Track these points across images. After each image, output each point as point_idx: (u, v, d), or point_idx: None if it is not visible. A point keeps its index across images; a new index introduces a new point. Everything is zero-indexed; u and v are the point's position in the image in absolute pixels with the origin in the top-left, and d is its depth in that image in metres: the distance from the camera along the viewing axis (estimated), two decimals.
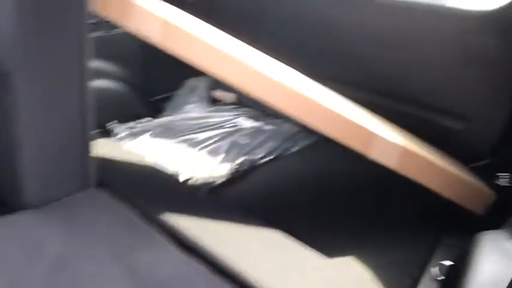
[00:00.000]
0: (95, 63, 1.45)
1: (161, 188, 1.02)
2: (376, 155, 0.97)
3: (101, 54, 1.45)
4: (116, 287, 0.59)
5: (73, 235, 0.70)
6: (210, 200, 1.00)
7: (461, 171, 1.11)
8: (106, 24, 1.45)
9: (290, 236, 0.89)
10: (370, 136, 0.95)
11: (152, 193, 0.99)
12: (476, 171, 1.21)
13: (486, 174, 1.19)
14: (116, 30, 1.48)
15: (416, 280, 0.86)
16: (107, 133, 1.38)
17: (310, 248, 0.86)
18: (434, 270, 0.86)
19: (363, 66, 1.34)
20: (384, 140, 0.96)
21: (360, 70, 1.36)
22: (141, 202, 0.87)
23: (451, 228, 1.06)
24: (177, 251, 0.70)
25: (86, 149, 0.88)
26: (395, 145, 0.97)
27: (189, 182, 1.15)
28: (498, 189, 1.14)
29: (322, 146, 1.44)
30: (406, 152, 0.97)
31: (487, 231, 0.75)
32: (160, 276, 0.63)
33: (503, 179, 1.16)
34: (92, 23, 1.40)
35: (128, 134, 1.38)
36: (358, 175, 1.26)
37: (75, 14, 0.79)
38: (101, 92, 1.46)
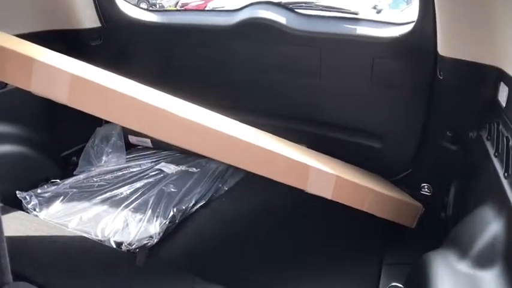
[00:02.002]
0: None
1: (93, 262, 0.90)
2: (312, 188, 0.97)
3: None
4: None
5: None
6: (149, 267, 0.91)
7: (388, 188, 1.15)
8: None
9: None
10: (306, 170, 0.94)
11: (83, 269, 0.87)
12: (400, 184, 1.28)
13: (409, 185, 1.25)
14: (8, 86, 1.32)
15: None
16: (17, 203, 1.22)
17: None
18: None
19: (284, 96, 1.36)
20: (320, 171, 0.96)
21: (280, 100, 1.37)
22: (73, 282, 0.75)
23: (391, 246, 1.09)
24: None
25: None
26: (329, 175, 0.97)
27: (123, 247, 1.04)
28: (423, 199, 1.20)
29: (253, 181, 1.41)
30: (339, 181, 0.98)
31: (433, 252, 0.76)
32: None
33: (424, 190, 1.23)
34: None
35: (40, 201, 1.23)
36: (293, 207, 1.25)
37: None
38: (1, 157, 1.29)
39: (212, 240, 1.14)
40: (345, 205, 1.02)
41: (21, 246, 0.94)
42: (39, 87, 0.85)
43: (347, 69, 1.21)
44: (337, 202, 1.00)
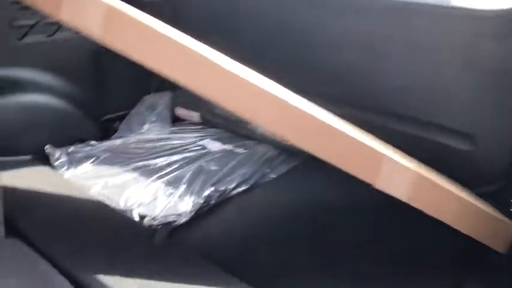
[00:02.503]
0: (31, 74, 1.19)
1: (107, 232, 0.76)
2: (383, 183, 0.76)
3: (39, 63, 1.20)
4: None
5: None
6: (168, 248, 0.75)
7: (477, 200, 0.92)
8: (47, 27, 1.20)
9: None
10: (379, 160, 0.74)
11: (94, 239, 0.73)
12: (485, 198, 1.03)
13: (498, 201, 1.01)
14: (59, 33, 1.23)
15: None
16: (43, 159, 1.12)
17: None
18: None
19: (350, 78, 1.15)
20: (396, 164, 0.75)
21: (346, 83, 1.17)
22: (65, 256, 0.61)
23: (472, 272, 0.87)
24: None
25: None
26: (407, 171, 0.76)
27: (145, 221, 0.89)
28: None
29: (304, 172, 1.23)
30: (419, 180, 0.76)
31: None
32: None
33: None
34: (30, 25, 1.16)
35: (69, 160, 1.12)
36: (351, 206, 1.05)
37: None
38: (38, 108, 1.20)
39: (248, 230, 0.96)
40: (420, 212, 0.80)
41: (33, 202, 0.83)
42: (70, 16, 0.71)
43: (435, 48, 0.99)
44: (411, 206, 0.79)
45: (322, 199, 1.10)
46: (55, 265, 0.58)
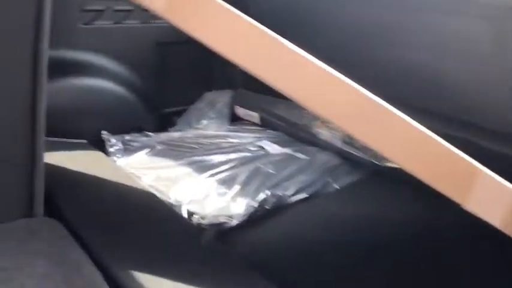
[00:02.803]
0: (96, 58, 1.17)
1: (151, 226, 0.69)
2: (474, 204, 0.63)
3: (104, 49, 1.18)
4: None
5: None
6: (214, 250, 0.67)
7: None
8: (115, 14, 1.18)
9: None
10: (473, 175, 0.61)
11: (136, 231, 0.67)
12: None
13: None
14: (126, 21, 1.21)
15: None
16: (98, 144, 1.09)
17: None
18: None
19: (429, 85, 1.03)
20: (493, 181, 0.62)
21: (424, 91, 1.04)
22: (108, 245, 0.55)
23: None
24: None
25: (33, 163, 0.58)
26: (506, 190, 0.63)
27: (193, 219, 0.82)
28: None
29: (370, 186, 1.11)
30: None
31: None
32: None
33: None
34: (99, 10, 1.15)
35: (124, 148, 1.08)
36: (424, 227, 0.92)
37: None
38: (99, 93, 1.18)
39: (304, 243, 0.86)
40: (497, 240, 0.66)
41: (79, 185, 0.78)
42: None
43: None
44: (504, 235, 0.66)
45: (388, 217, 0.98)
46: (89, 252, 0.52)
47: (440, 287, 0.77)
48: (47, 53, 0.57)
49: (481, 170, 0.63)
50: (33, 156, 0.58)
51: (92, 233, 0.59)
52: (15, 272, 0.45)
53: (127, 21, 1.21)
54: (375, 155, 1.13)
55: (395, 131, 0.63)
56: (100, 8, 1.15)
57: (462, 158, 0.64)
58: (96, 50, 1.17)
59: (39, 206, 0.58)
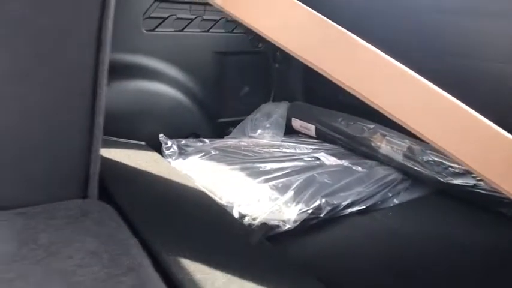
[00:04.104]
0: (158, 64, 1.21)
1: (201, 220, 0.68)
2: None
3: (166, 55, 1.22)
4: None
5: (26, 249, 0.39)
6: (264, 250, 0.64)
7: None
8: (177, 22, 1.22)
9: None
10: None
11: (186, 224, 0.66)
12: None
13: None
14: (189, 29, 1.25)
15: None
16: (155, 146, 1.11)
17: None
18: None
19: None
20: None
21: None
22: (157, 235, 0.54)
23: None
24: None
25: (90, 149, 0.60)
26: None
27: (245, 220, 0.80)
28: None
29: (432, 204, 1.04)
30: None
31: None
32: None
33: None
34: (163, 18, 1.20)
35: (180, 151, 1.09)
36: (485, 250, 0.83)
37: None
38: (159, 97, 1.21)
39: (357, 256, 0.80)
40: None
41: (134, 178, 0.79)
42: None
43: None
44: None
45: (447, 238, 0.90)
46: (138, 237, 0.51)
47: None
48: (108, 56, 0.59)
49: None
50: (90, 145, 0.60)
51: (141, 220, 0.59)
52: (64, 245, 0.45)
53: (187, 30, 1.24)
54: (439, 171, 1.06)
55: (466, 128, 0.57)
56: (164, 15, 1.19)
57: None
58: (158, 56, 1.20)
59: (94, 190, 0.58)
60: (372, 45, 0.61)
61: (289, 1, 0.60)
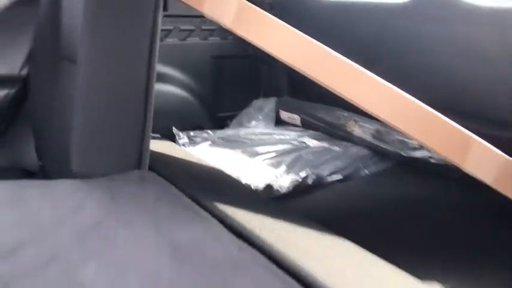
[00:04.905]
0: (166, 69, 1.44)
1: (219, 184, 0.91)
2: (471, 166, 0.81)
3: (172, 61, 1.45)
4: (152, 259, 0.48)
5: (113, 203, 0.61)
6: (270, 201, 0.88)
7: None
8: (180, 33, 1.45)
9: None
10: (467, 142, 0.80)
11: (209, 187, 0.89)
12: None
13: None
14: (189, 39, 1.48)
15: None
16: (168, 138, 1.33)
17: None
18: None
19: (447, 87, 1.21)
20: (483, 147, 0.80)
21: (443, 93, 1.22)
22: (196, 192, 0.76)
23: None
24: (230, 235, 0.58)
25: (142, 133, 0.83)
26: (495, 154, 0.80)
27: (252, 186, 1.04)
28: None
29: (398, 172, 1.29)
30: (506, 163, 0.80)
31: None
32: (207, 254, 0.51)
33: None
34: (168, 29, 1.42)
35: (190, 141, 1.33)
36: (438, 204, 1.09)
37: (146, 8, 0.77)
38: (169, 97, 1.44)
39: (338, 212, 1.05)
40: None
41: (160, 158, 1.01)
42: (211, 11, 0.89)
43: None
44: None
45: (410, 196, 1.15)
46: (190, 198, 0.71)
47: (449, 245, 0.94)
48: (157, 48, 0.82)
49: (474, 139, 0.82)
50: (144, 125, 0.82)
51: (181, 186, 0.79)
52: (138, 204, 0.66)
53: (189, 39, 1.48)
54: (401, 147, 1.31)
55: (413, 113, 0.82)
56: (169, 27, 1.41)
57: (461, 131, 0.82)
58: (166, 62, 1.43)
59: (146, 163, 0.81)
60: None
61: (279, 25, 0.85)
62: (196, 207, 0.66)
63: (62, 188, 0.65)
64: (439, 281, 0.76)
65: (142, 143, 0.80)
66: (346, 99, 0.89)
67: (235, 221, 0.66)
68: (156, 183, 0.75)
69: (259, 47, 0.88)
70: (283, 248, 0.58)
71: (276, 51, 0.88)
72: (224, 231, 0.59)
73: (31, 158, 1.05)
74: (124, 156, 0.79)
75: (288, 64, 0.87)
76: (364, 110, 0.85)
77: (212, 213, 0.69)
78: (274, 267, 0.52)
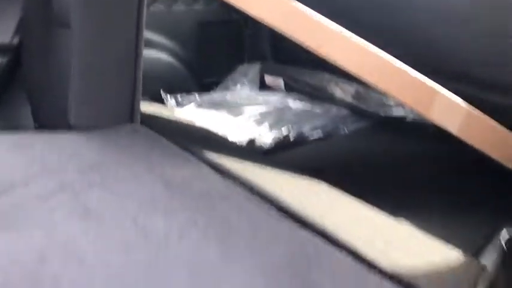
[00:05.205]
0: (153, 35, 1.48)
1: (207, 139, 0.98)
2: (436, 115, 0.89)
3: (159, 27, 1.49)
4: (147, 190, 0.55)
5: (109, 149, 0.68)
6: (257, 153, 0.95)
7: None
8: (166, 1, 1.49)
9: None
10: (433, 94, 0.87)
11: (198, 140, 0.96)
12: None
13: None
14: (175, 6, 1.52)
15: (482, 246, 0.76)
16: (156, 101, 1.39)
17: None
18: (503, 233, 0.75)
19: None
20: (447, 99, 0.88)
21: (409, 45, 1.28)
22: (185, 143, 0.83)
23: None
24: (217, 175, 0.65)
25: (133, 91, 0.89)
26: (458, 105, 0.88)
27: (237, 142, 1.11)
28: None
29: (376, 131, 1.37)
30: (469, 114, 0.88)
31: None
32: (195, 188, 0.59)
33: None
34: None
35: (177, 103, 1.38)
36: (412, 156, 1.18)
37: None
38: (157, 62, 1.49)
39: (319, 164, 1.13)
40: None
41: (154, 118, 1.07)
42: None
43: None
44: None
45: (387, 151, 1.24)
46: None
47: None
48: (144, 12, 0.88)
49: (438, 90, 0.89)
50: (134, 84, 0.88)
51: (172, 140, 0.86)
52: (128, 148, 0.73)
53: (174, 5, 1.52)
54: (379, 107, 1.39)
55: (377, 65, 0.89)
56: None
57: (426, 83, 0.90)
58: (152, 29, 1.47)
59: (137, 119, 0.87)
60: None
61: None
62: (187, 154, 0.73)
63: (63, 137, 0.71)
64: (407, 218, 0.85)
65: (134, 100, 0.86)
66: (323, 57, 0.95)
67: (223, 166, 0.73)
68: (148, 134, 0.81)
69: (240, 9, 0.93)
70: (268, 186, 0.65)
71: (257, 12, 0.93)
72: (212, 172, 0.66)
73: (28, 122, 1.10)
74: (117, 112, 0.85)
75: (269, 26, 0.93)
76: (336, 65, 0.91)
77: (201, 159, 0.76)
78: (256, 197, 0.59)
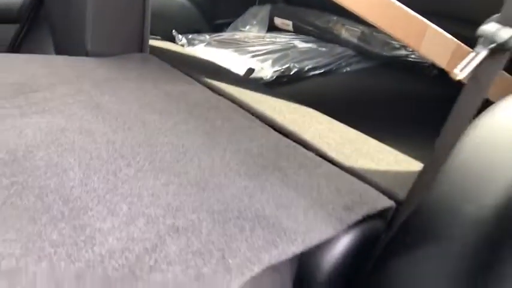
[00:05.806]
0: None
1: (213, 70, 1.06)
2: (427, 50, 0.94)
3: None
4: (149, 97, 0.65)
5: (121, 70, 0.77)
6: (259, 84, 1.03)
7: None
8: None
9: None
10: (423, 28, 0.93)
11: (204, 71, 1.03)
12: None
13: None
14: None
15: None
16: (169, 40, 1.47)
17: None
18: None
19: None
20: (438, 34, 0.93)
21: None
22: (192, 72, 0.91)
23: None
24: (214, 93, 0.75)
25: (143, 21, 0.97)
26: (448, 41, 0.93)
27: (241, 74, 1.20)
28: None
29: (378, 71, 1.43)
30: (457, 48, 0.93)
31: None
32: (191, 99, 0.68)
33: None
34: None
35: (188, 42, 1.46)
36: (412, 95, 1.24)
37: None
38: (168, 2, 1.55)
39: (318, 98, 1.20)
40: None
41: (166, 52, 1.16)
42: None
43: None
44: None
45: (385, 87, 1.30)
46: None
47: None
48: None
49: (429, 24, 0.94)
50: (143, 17, 0.97)
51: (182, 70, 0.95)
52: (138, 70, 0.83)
53: None
54: (383, 48, 1.44)
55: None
56: None
57: (417, 18, 0.95)
58: None
59: (147, 47, 0.96)
60: None
61: None
62: (191, 79, 0.82)
63: (81, 59, 0.81)
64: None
65: (143, 32, 0.95)
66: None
67: (222, 89, 0.82)
68: (155, 61, 0.90)
69: None
70: (262, 108, 0.73)
71: None
72: (208, 90, 0.75)
73: (50, 50, 1.21)
74: (128, 42, 0.95)
75: None
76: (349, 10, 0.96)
77: (202, 82, 0.85)
78: (243, 110, 0.69)
